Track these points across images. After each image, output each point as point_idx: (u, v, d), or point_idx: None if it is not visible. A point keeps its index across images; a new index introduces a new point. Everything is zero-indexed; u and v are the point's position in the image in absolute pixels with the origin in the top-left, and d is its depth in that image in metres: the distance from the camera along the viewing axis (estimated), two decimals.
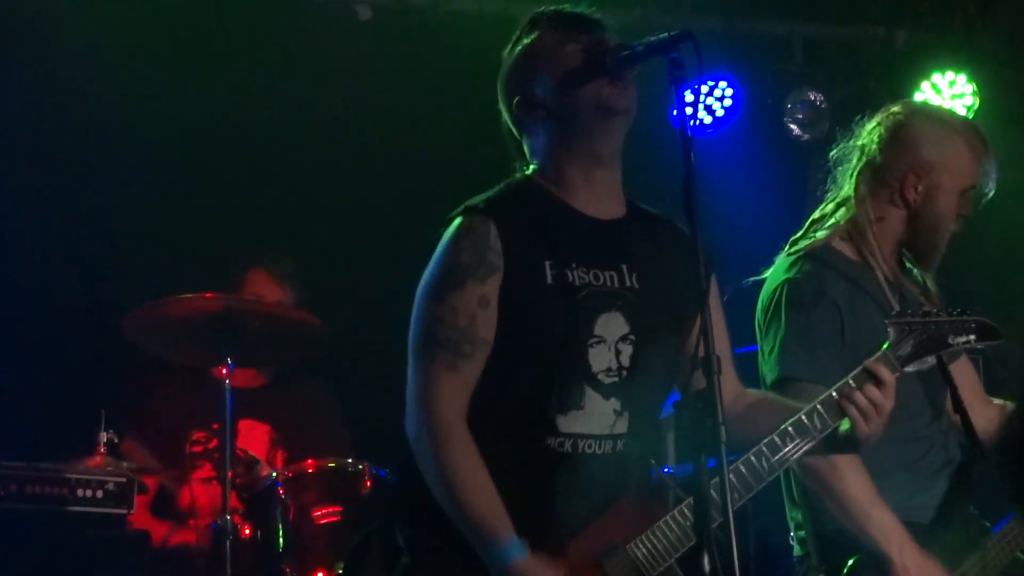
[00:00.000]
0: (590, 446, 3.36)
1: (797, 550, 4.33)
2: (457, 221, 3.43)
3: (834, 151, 4.48)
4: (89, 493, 5.64)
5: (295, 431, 6.44)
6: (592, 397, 3.37)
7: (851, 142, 4.44)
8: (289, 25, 6.97)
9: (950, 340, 3.74)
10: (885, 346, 3.66)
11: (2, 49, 6.48)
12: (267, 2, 6.97)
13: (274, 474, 5.79)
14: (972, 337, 3.80)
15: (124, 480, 5.73)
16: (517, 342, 3.34)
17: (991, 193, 4.44)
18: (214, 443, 6.10)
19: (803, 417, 3.51)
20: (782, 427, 3.49)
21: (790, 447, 3.48)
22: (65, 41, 6.48)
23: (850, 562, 4.05)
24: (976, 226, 4.52)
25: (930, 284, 4.41)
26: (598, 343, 3.38)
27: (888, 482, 4.09)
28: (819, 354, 4.10)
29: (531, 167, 3.55)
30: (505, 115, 3.60)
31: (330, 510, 5.60)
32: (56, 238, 6.59)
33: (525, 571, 3.20)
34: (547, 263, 3.37)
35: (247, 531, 5.81)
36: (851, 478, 4.03)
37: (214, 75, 6.66)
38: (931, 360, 3.77)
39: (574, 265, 3.38)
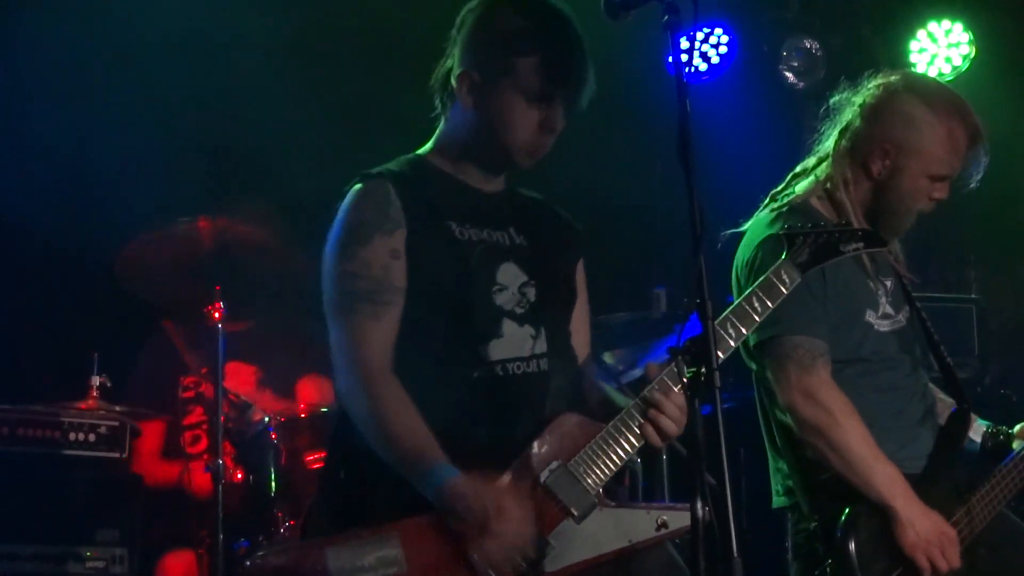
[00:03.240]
0: (518, 367, 3.51)
1: (784, 500, 4.32)
2: (356, 187, 3.57)
3: (835, 97, 4.44)
4: (82, 437, 5.65)
5: (281, 371, 6.44)
6: (508, 325, 3.54)
7: (851, 96, 4.41)
8: None
9: (842, 248, 3.81)
10: (784, 256, 3.68)
11: None
12: None
13: (267, 419, 5.80)
14: (861, 244, 3.88)
15: (117, 424, 5.75)
16: (429, 292, 3.49)
17: (974, 182, 4.41)
18: (204, 387, 6.10)
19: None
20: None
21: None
22: None
23: (847, 511, 4.05)
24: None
25: (898, 249, 4.42)
26: (501, 290, 3.56)
27: (876, 432, 4.10)
28: (810, 306, 4.11)
29: (429, 144, 3.71)
30: (446, 68, 3.64)
31: (322, 455, 5.60)
32: (47, 178, 6.54)
33: (458, 487, 3.27)
34: (445, 222, 3.56)
35: (239, 475, 5.83)
36: (852, 431, 4.06)
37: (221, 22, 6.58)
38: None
39: (468, 225, 3.59)
